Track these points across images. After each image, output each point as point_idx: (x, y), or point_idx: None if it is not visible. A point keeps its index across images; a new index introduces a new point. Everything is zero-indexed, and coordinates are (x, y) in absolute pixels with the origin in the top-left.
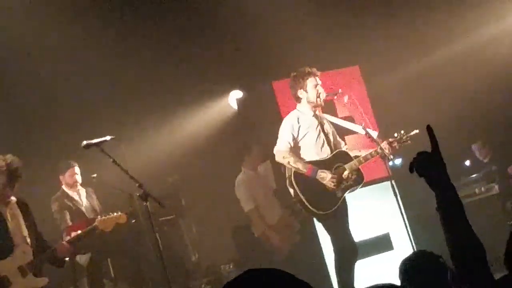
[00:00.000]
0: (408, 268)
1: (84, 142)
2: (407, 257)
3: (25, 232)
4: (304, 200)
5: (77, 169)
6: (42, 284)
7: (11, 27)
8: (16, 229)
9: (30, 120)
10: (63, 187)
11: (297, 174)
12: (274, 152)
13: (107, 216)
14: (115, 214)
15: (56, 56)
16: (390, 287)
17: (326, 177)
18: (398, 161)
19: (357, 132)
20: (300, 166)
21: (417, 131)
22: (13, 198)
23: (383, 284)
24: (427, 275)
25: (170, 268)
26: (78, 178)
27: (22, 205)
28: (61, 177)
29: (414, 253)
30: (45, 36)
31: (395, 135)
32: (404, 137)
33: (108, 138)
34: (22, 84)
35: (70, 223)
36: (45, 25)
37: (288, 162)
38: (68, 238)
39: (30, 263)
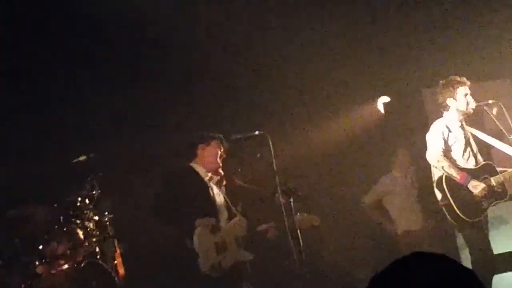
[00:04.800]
0: None
1: (233, 136)
2: None
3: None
4: (453, 204)
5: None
6: (249, 258)
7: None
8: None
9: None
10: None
11: (449, 179)
12: (428, 155)
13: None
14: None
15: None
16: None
17: (478, 186)
18: None
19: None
20: (454, 172)
21: None
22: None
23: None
24: None
25: (308, 267)
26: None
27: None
28: None
29: None
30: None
31: None
32: None
33: (256, 133)
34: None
35: None
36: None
37: (442, 167)
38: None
39: (245, 236)
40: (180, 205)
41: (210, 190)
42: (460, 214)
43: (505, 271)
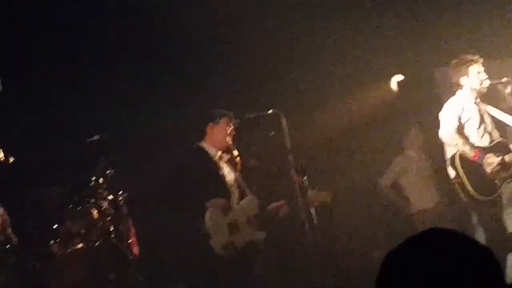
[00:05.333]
0: None
1: (247, 115)
2: None
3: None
4: (466, 182)
5: None
6: (262, 237)
7: None
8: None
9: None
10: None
11: (462, 157)
12: (441, 133)
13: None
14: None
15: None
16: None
17: (492, 163)
18: None
19: None
20: (467, 149)
21: None
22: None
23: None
24: None
25: (322, 249)
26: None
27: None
28: None
29: None
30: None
31: None
32: None
33: (270, 111)
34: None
35: None
36: None
37: (456, 144)
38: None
39: (257, 215)
40: (190, 185)
41: (220, 170)
42: (473, 192)
43: None
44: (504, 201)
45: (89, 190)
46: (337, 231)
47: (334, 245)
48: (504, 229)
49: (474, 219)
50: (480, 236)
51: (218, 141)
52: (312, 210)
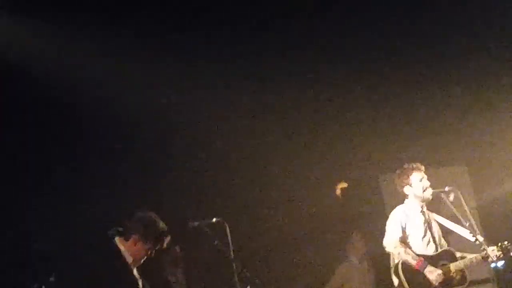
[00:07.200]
0: None
1: (191, 224)
2: None
3: None
4: None
5: None
6: None
7: None
8: None
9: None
10: None
11: (405, 265)
12: (384, 242)
13: None
14: None
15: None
16: None
17: (434, 272)
18: (500, 264)
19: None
20: (409, 258)
21: None
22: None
23: None
24: None
25: None
26: None
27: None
28: None
29: None
30: None
31: (506, 242)
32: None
33: (214, 220)
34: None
35: None
36: None
37: (399, 253)
38: None
39: None
40: None
41: (134, 277)
42: None
43: None
44: None
45: None
46: None
47: None
48: None
49: None
50: None
51: (138, 252)
52: None
